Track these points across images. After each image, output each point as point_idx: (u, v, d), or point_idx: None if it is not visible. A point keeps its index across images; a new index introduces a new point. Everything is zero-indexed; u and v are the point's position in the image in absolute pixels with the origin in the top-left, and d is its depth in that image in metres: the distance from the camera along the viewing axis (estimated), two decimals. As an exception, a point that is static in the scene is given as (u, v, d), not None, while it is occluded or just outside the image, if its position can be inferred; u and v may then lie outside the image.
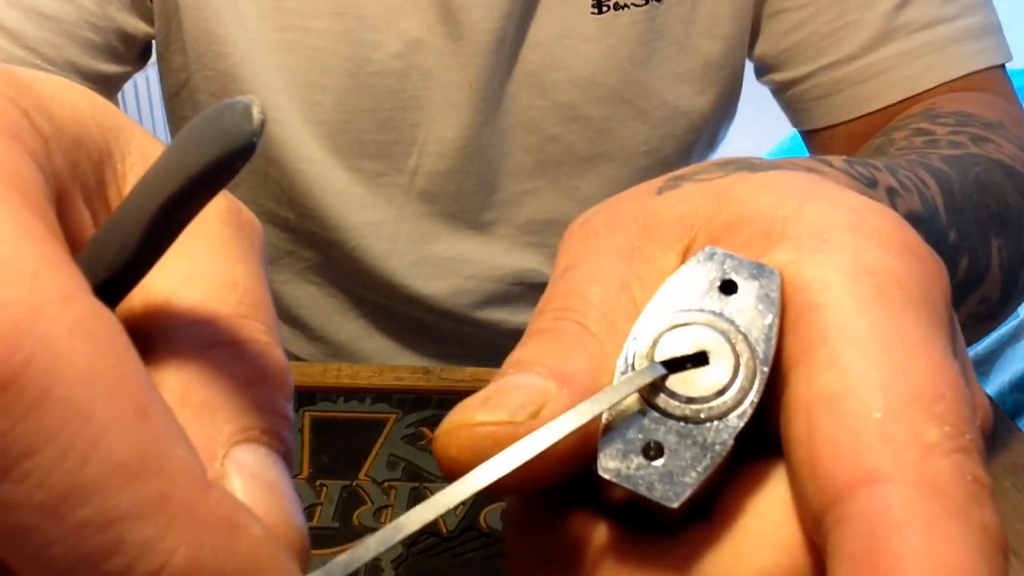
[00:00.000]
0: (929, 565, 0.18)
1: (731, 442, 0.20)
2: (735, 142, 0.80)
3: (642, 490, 0.19)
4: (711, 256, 0.21)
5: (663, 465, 0.20)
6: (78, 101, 0.20)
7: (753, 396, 0.20)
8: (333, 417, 0.53)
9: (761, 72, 0.76)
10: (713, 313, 0.21)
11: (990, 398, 0.55)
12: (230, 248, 0.21)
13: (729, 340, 0.20)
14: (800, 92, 0.72)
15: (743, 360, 0.20)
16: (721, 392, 0.20)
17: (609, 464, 0.20)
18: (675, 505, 0.19)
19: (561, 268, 0.24)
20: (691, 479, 0.19)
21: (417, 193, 0.73)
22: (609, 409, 0.20)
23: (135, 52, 0.71)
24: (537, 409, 0.21)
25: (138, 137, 0.21)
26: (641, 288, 0.23)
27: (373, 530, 0.46)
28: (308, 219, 0.73)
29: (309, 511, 0.47)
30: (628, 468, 0.20)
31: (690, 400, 0.20)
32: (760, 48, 0.74)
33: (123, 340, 0.16)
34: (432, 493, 0.53)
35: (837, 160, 0.36)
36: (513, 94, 0.70)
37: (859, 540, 0.18)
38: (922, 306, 0.21)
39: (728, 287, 0.21)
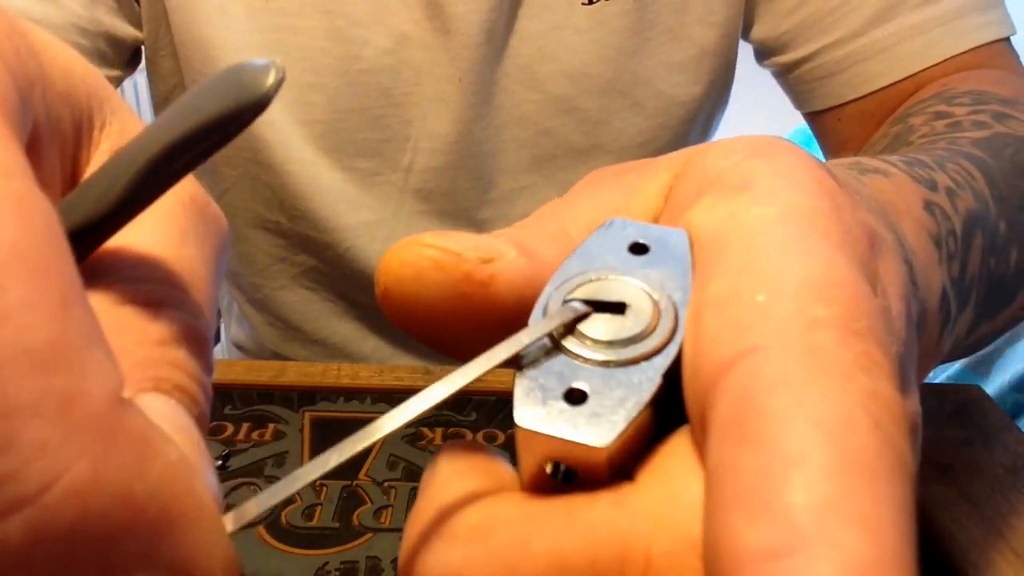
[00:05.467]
0: (801, 420, 0.16)
1: (659, 380, 0.18)
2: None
3: (566, 434, 0.18)
4: (615, 224, 0.21)
5: (588, 408, 0.18)
6: (71, 61, 0.20)
7: (678, 338, 0.19)
8: (333, 417, 0.53)
9: (762, 56, 0.75)
10: (627, 270, 0.20)
11: (989, 398, 0.55)
12: (183, 231, 0.21)
13: (646, 291, 0.20)
14: (803, 73, 0.72)
15: (662, 307, 0.19)
16: (643, 336, 0.19)
17: (527, 413, 0.18)
18: (603, 445, 0.18)
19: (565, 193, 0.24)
20: (620, 418, 0.18)
21: (412, 191, 0.72)
22: (524, 352, 0.19)
23: (124, 57, 0.71)
24: (489, 257, 0.20)
25: (122, 112, 0.21)
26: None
27: (373, 530, 0.46)
28: (300, 222, 0.73)
29: (309, 511, 0.47)
30: (549, 415, 0.18)
31: (611, 344, 0.19)
32: (760, 31, 0.73)
33: (61, 238, 0.14)
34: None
35: (899, 162, 0.36)
36: (505, 88, 0.70)
37: (728, 408, 0.17)
38: (835, 234, 0.19)
39: (638, 249, 0.20)
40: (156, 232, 0.20)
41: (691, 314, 0.19)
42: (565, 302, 0.20)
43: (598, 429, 0.18)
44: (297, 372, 0.56)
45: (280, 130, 0.69)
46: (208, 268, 0.21)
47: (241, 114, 0.16)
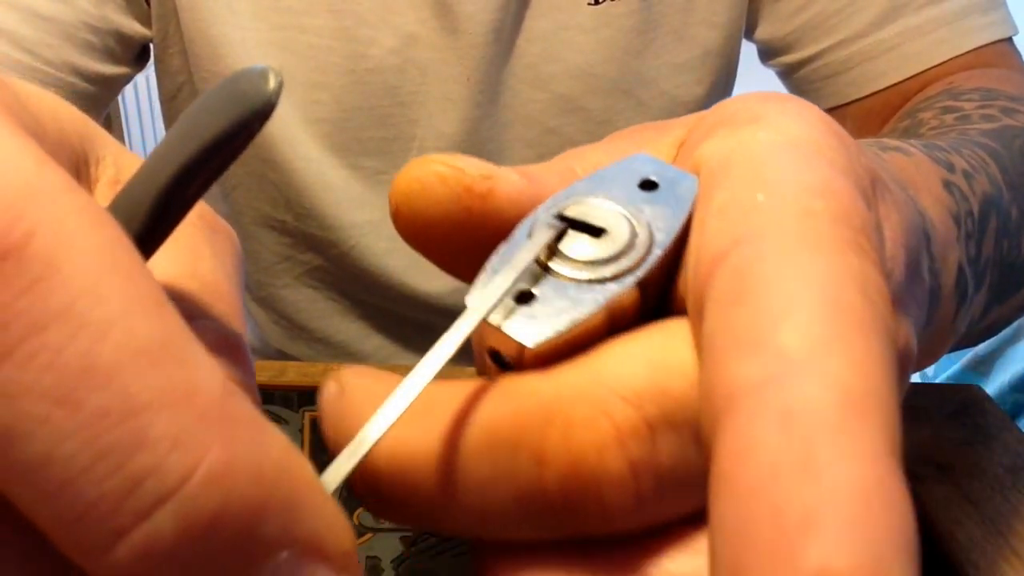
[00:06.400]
0: (793, 280, 0.17)
1: (603, 302, 0.19)
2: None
3: (498, 323, 0.19)
4: (638, 159, 0.22)
5: (530, 309, 0.19)
6: (57, 107, 0.20)
7: (639, 272, 0.20)
8: (333, 417, 0.53)
9: (767, 56, 0.76)
10: (624, 201, 0.21)
11: (989, 398, 0.55)
12: (196, 246, 0.21)
13: (631, 223, 0.20)
14: (809, 73, 0.72)
15: (639, 241, 0.20)
16: (608, 262, 0.20)
17: (476, 298, 0.19)
18: (526, 344, 0.19)
19: None
20: (551, 325, 0.19)
21: (417, 189, 0.73)
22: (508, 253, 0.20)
23: (132, 54, 0.71)
24: (490, 175, 0.21)
25: (112, 146, 0.22)
26: None
27: (373, 530, 0.47)
28: (306, 220, 0.73)
29: (310, 511, 0.47)
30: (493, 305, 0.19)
31: (576, 261, 0.20)
32: (765, 32, 0.74)
33: (132, 244, 0.15)
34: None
35: (918, 144, 0.36)
36: (512, 87, 0.70)
37: (723, 281, 0.18)
38: (840, 164, 0.20)
39: (648, 185, 0.21)
40: (170, 254, 0.20)
41: (696, 225, 0.20)
42: (553, 217, 0.21)
43: (528, 329, 0.19)
44: (297, 372, 0.56)
45: (287, 128, 0.69)
46: (230, 280, 0.21)
47: (248, 124, 0.16)
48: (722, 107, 0.23)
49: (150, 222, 0.17)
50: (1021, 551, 0.43)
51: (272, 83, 0.16)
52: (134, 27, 0.69)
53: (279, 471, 0.15)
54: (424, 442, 0.19)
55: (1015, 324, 0.88)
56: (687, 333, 0.19)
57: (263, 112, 0.16)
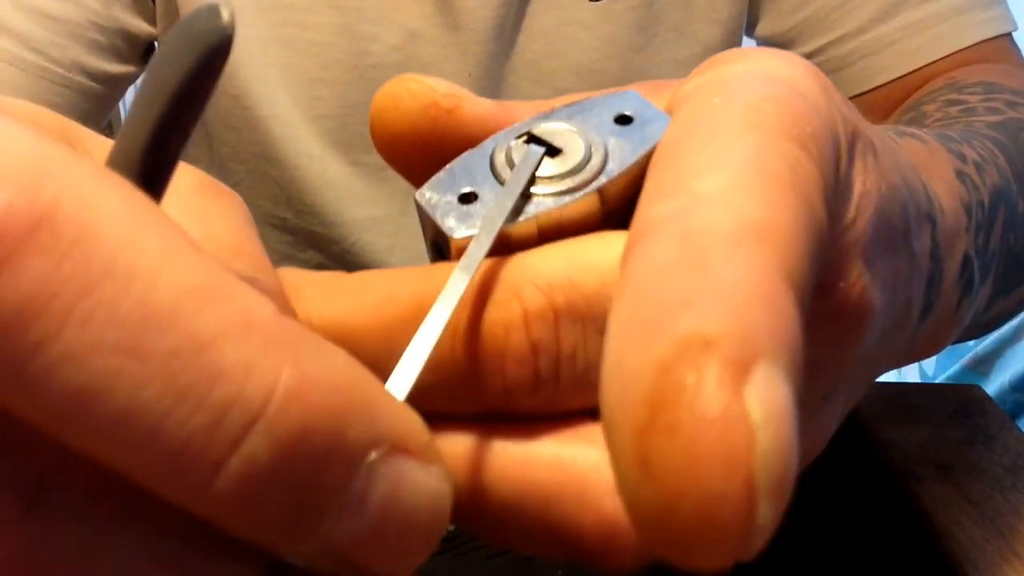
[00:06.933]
0: (722, 150, 0.18)
1: (532, 214, 0.20)
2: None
3: (436, 216, 0.21)
4: (627, 95, 0.23)
5: (469, 208, 0.21)
6: (31, 109, 0.21)
7: (578, 195, 0.21)
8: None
9: None
10: (595, 130, 0.22)
11: (989, 398, 0.55)
12: (205, 211, 0.21)
13: (589, 150, 0.21)
14: None
15: (589, 166, 0.21)
16: (552, 179, 0.21)
17: (426, 192, 0.21)
18: (455, 236, 0.20)
19: None
20: (477, 223, 0.20)
21: (420, 186, 0.73)
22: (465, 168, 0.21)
23: (139, 52, 0.71)
24: (458, 94, 0.23)
25: (96, 139, 0.22)
26: None
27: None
28: (307, 217, 0.73)
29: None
30: (440, 200, 0.21)
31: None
32: (765, 28, 0.73)
33: (148, 197, 0.15)
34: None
35: (932, 132, 0.37)
36: (513, 84, 0.70)
37: (660, 161, 0.19)
38: (815, 104, 0.21)
39: (623, 120, 0.22)
40: (182, 223, 0.20)
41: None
42: (519, 136, 0.22)
43: (460, 224, 0.20)
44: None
45: (288, 125, 0.69)
46: (247, 238, 0.22)
47: (210, 64, 0.16)
48: (716, 55, 0.23)
49: (140, 186, 0.17)
50: (1021, 551, 0.43)
51: (225, 16, 0.16)
52: (141, 26, 0.69)
53: (350, 378, 0.15)
54: (358, 315, 0.20)
55: (1015, 324, 0.88)
56: (616, 243, 0.20)
57: (221, 47, 0.16)
